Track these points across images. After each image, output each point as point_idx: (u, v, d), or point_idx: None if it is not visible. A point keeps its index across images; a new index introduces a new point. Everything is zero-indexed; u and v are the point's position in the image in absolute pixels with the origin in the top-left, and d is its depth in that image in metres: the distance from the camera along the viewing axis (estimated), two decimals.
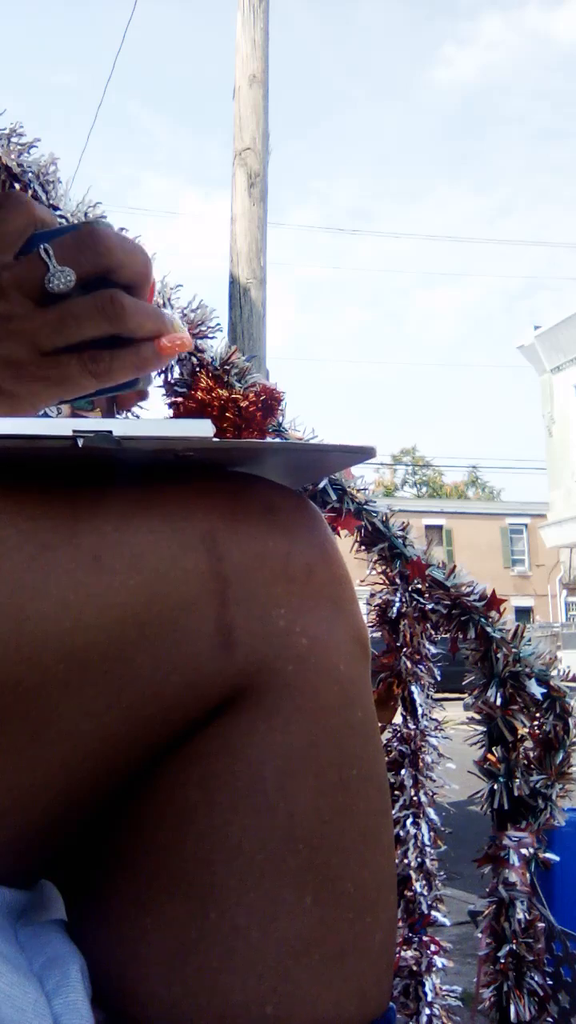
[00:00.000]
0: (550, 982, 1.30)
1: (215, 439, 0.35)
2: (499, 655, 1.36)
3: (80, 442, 0.33)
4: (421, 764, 1.37)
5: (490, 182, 76.66)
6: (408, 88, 73.19)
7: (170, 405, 1.34)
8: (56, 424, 0.34)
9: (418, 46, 72.38)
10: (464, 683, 1.41)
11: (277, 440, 1.31)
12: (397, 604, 1.39)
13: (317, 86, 75.05)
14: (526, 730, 1.39)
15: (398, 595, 1.39)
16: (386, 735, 1.38)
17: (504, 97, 73.95)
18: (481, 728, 1.39)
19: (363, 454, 0.40)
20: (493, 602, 1.39)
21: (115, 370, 0.41)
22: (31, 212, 0.42)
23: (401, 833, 1.33)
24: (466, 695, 1.41)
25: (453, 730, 1.46)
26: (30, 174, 1.29)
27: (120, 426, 0.34)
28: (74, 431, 0.33)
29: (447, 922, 1.35)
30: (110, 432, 0.34)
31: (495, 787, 1.36)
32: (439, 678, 1.42)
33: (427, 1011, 1.29)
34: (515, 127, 75.54)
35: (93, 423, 0.34)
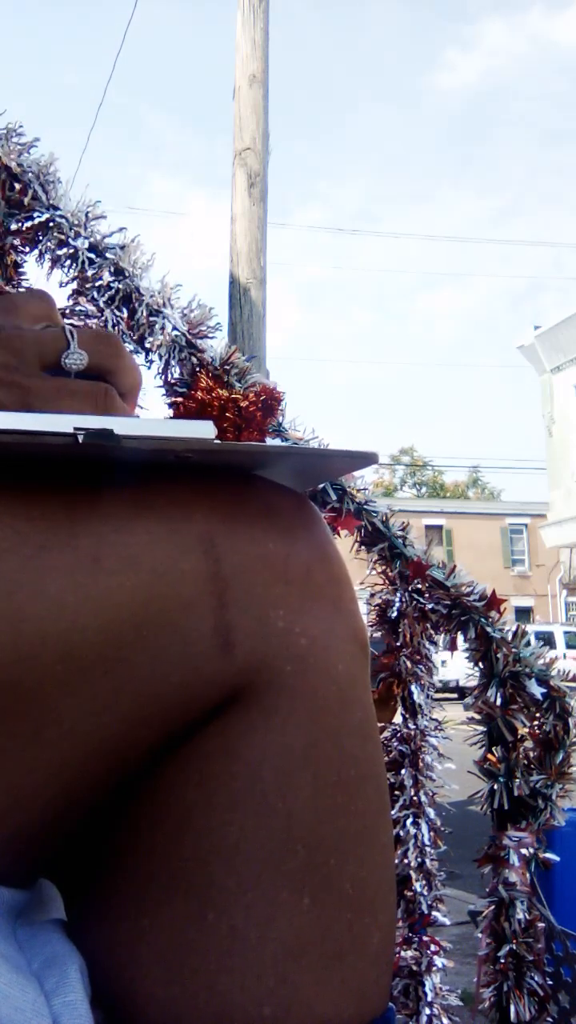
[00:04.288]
0: (550, 982, 1.30)
1: (216, 441, 0.35)
2: (499, 655, 1.36)
3: (80, 439, 0.33)
4: (421, 764, 1.37)
5: (494, 184, 76.80)
6: (411, 92, 73.37)
7: (170, 405, 1.34)
8: (57, 420, 0.34)
9: (420, 51, 72.52)
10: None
11: (280, 443, 1.31)
12: (397, 604, 1.39)
13: (320, 88, 75.15)
14: (526, 730, 1.39)
15: (398, 595, 1.39)
16: (386, 735, 1.38)
17: (507, 101, 74.14)
18: (481, 728, 1.40)
19: (367, 460, 0.41)
20: (493, 602, 1.39)
21: None
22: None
23: (401, 833, 1.33)
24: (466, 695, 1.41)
25: (453, 730, 1.46)
26: (30, 174, 1.29)
27: (121, 424, 0.34)
28: (75, 428, 0.33)
29: (447, 922, 1.35)
30: (111, 430, 0.34)
31: (495, 787, 1.36)
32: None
33: (427, 1011, 1.29)
34: (518, 130, 75.65)
35: (94, 420, 0.34)
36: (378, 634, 1.43)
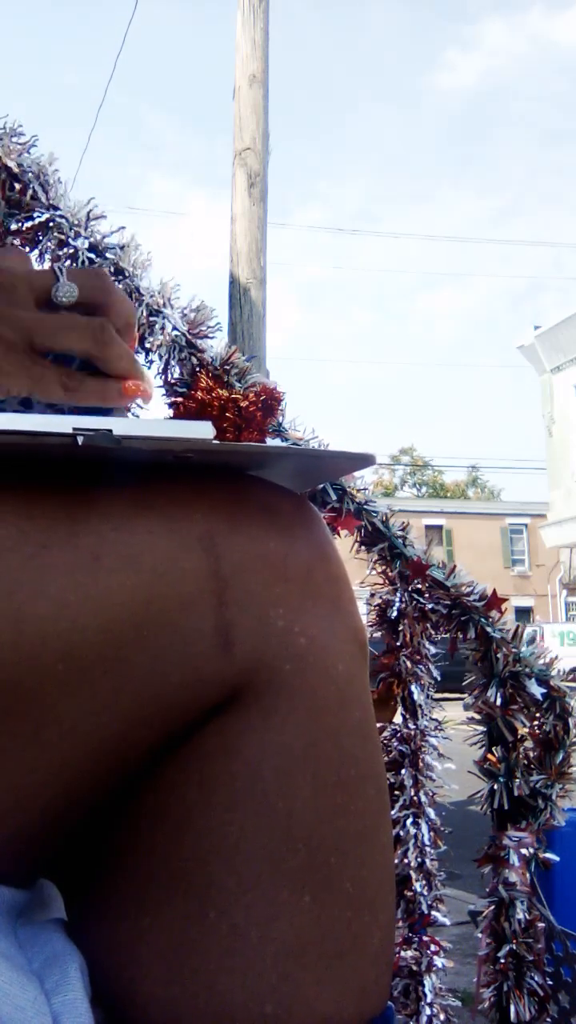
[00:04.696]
0: (550, 982, 1.30)
1: (215, 441, 0.35)
2: (499, 655, 1.36)
3: (80, 440, 0.33)
4: (421, 764, 1.37)
5: (494, 184, 76.87)
6: (411, 92, 73.42)
7: (170, 405, 1.34)
8: (56, 421, 0.34)
9: (420, 51, 72.61)
10: (464, 683, 1.41)
11: (279, 444, 1.31)
12: (397, 604, 1.39)
13: (320, 88, 75.20)
14: (526, 730, 1.39)
15: (398, 595, 1.39)
16: (386, 735, 1.38)
17: (507, 101, 74.20)
18: (481, 728, 1.39)
19: (365, 461, 0.41)
20: (494, 602, 1.39)
21: (82, 392, 0.43)
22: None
23: (401, 833, 1.33)
24: (466, 695, 1.41)
25: (453, 730, 1.46)
26: (30, 174, 1.29)
27: (121, 425, 0.34)
28: (74, 429, 0.33)
29: (447, 922, 1.35)
30: (110, 431, 0.34)
31: (495, 787, 1.36)
32: (439, 678, 1.42)
33: (427, 1011, 1.29)
34: (518, 130, 75.71)
35: (93, 421, 0.34)
36: (378, 634, 1.43)
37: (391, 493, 34.35)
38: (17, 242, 1.31)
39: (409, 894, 1.32)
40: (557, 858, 1.36)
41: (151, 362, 1.34)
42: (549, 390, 19.61)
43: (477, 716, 1.40)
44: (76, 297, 0.41)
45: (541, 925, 1.32)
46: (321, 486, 1.32)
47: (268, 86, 4.44)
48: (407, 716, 1.39)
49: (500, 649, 1.36)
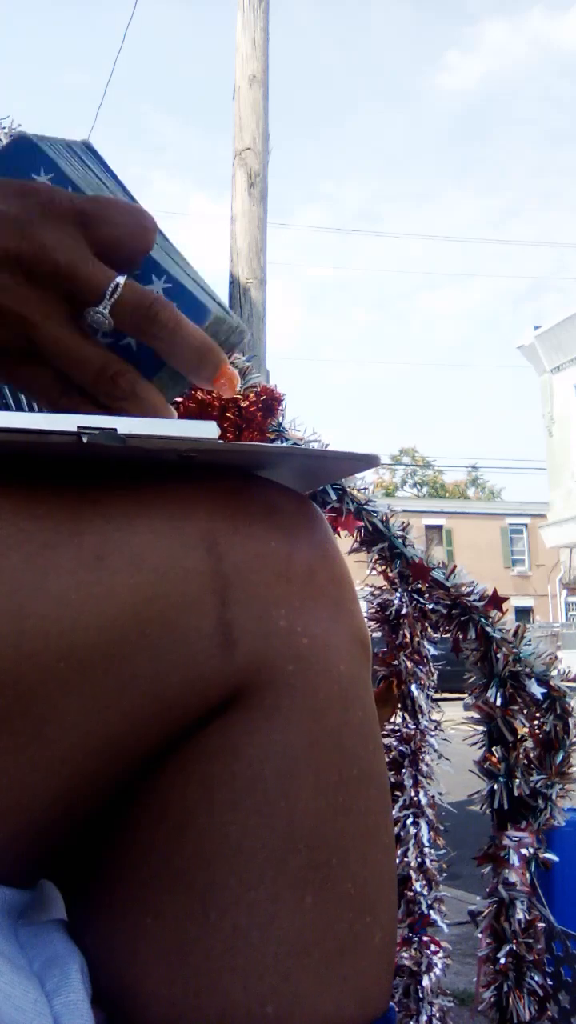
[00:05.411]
0: (550, 982, 1.30)
1: (219, 441, 0.35)
2: (499, 655, 1.36)
3: (84, 439, 0.33)
4: (421, 764, 1.37)
5: (496, 185, 76.96)
6: (412, 93, 73.51)
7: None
8: (60, 420, 0.33)
9: (422, 52, 72.70)
10: (464, 682, 1.41)
11: (282, 444, 1.31)
12: (397, 604, 1.39)
13: (321, 88, 75.24)
14: (526, 730, 1.39)
15: (398, 595, 1.39)
16: (386, 735, 1.38)
17: (509, 101, 74.32)
18: (481, 728, 1.39)
19: (368, 462, 0.41)
20: (495, 601, 1.39)
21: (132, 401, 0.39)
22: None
23: (401, 833, 1.33)
24: (466, 695, 1.41)
25: (453, 730, 1.47)
26: None
27: (125, 424, 0.34)
28: (79, 427, 0.33)
29: (444, 927, 1.35)
30: (115, 430, 0.34)
31: (495, 787, 1.36)
32: (436, 679, 1.42)
33: (427, 1011, 1.29)
34: (520, 131, 75.78)
35: (98, 420, 0.34)
36: (378, 634, 1.43)
37: (391, 493, 34.36)
38: None
39: (409, 894, 1.32)
40: (557, 858, 1.36)
41: None
42: (549, 390, 19.62)
43: (477, 716, 1.40)
44: (108, 328, 0.38)
45: (541, 925, 1.32)
46: (321, 486, 1.32)
47: (268, 86, 4.44)
48: (407, 716, 1.39)
49: (500, 649, 1.36)
